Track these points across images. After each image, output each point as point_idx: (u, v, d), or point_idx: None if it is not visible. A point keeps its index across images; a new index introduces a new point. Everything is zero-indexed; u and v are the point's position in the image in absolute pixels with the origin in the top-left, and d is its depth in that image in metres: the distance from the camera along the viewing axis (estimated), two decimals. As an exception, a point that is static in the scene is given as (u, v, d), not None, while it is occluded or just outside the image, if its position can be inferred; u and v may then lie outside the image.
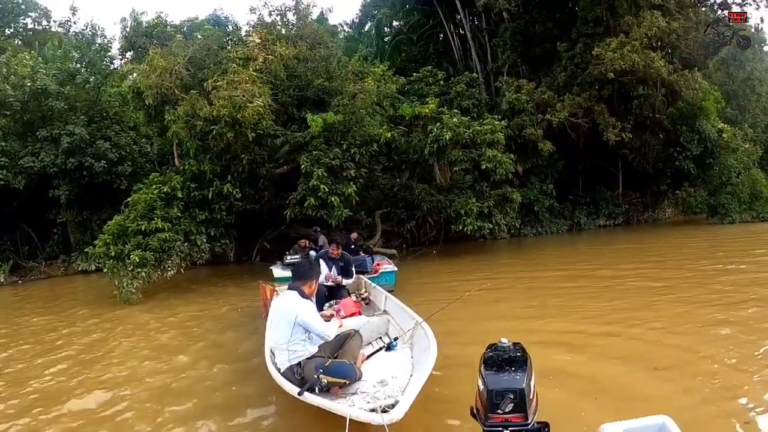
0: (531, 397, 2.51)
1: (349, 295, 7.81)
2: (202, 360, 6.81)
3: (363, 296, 8.02)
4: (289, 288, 4.85)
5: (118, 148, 17.16)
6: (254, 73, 12.91)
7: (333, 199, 13.15)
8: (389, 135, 14.59)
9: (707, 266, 11.91)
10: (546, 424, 2.53)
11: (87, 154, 16.26)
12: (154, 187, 13.22)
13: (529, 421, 2.46)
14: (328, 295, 7.65)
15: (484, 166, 14.89)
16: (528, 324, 7.74)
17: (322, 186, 13.10)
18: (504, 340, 2.71)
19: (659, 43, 19.34)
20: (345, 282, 7.89)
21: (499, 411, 2.47)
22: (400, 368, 4.91)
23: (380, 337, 5.68)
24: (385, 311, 7.12)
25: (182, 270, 13.05)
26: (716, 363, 5.51)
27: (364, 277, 8.98)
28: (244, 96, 12.22)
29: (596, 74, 18.34)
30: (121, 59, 21.18)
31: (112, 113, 18.35)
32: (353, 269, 8.21)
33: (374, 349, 5.38)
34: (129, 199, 13.22)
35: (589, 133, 20.41)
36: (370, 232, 16.54)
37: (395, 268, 10.52)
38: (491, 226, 16.17)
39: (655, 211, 25.29)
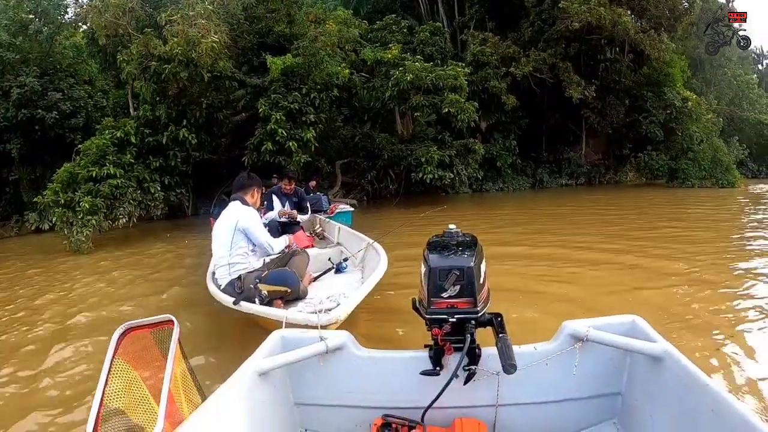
0: (481, 282, 2.24)
1: (303, 231, 7.60)
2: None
3: (317, 231, 7.82)
4: (231, 199, 4.57)
5: (72, 101, 16.39)
6: (209, 7, 12.35)
7: (291, 143, 12.82)
8: (347, 72, 14.14)
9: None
10: (499, 315, 2.29)
11: (39, 107, 15.54)
12: (106, 132, 12.68)
13: (478, 309, 2.19)
14: (281, 231, 7.40)
15: (445, 110, 14.61)
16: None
17: (279, 130, 12.77)
18: (452, 226, 2.44)
19: (629, 5, 19.32)
20: (300, 218, 7.64)
21: (443, 295, 2.18)
22: (350, 288, 4.66)
23: (329, 259, 5.48)
24: (338, 243, 6.94)
25: (135, 220, 12.62)
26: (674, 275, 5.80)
27: (319, 215, 8.78)
28: (199, 32, 11.70)
29: (562, 30, 18.26)
30: (76, 5, 20.14)
31: (66, 65, 17.48)
32: (308, 205, 7.96)
33: (322, 271, 5.18)
34: (80, 146, 12.64)
35: (553, 92, 20.45)
36: (330, 183, 16.26)
37: (352, 208, 10.35)
38: (452, 175, 16.02)
39: (618, 173, 25.62)
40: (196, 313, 5.29)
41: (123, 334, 1.76)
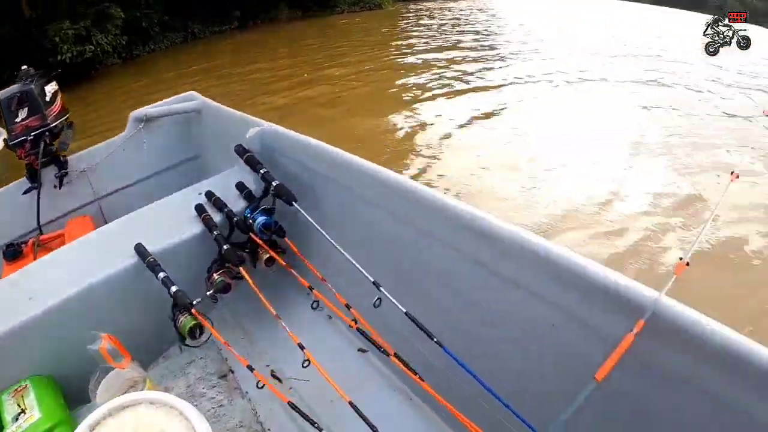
0: (48, 100, 2.51)
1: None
2: None
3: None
4: None
5: None
6: None
7: None
8: None
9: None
10: (71, 123, 2.68)
11: None
12: None
13: (49, 122, 2.48)
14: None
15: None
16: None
17: None
18: (24, 66, 2.62)
19: None
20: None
21: (17, 120, 2.42)
22: None
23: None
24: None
25: None
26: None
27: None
28: None
29: None
30: None
31: None
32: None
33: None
34: None
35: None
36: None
37: None
38: (93, 47, 15.47)
39: (271, 11, 25.67)
40: None
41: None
